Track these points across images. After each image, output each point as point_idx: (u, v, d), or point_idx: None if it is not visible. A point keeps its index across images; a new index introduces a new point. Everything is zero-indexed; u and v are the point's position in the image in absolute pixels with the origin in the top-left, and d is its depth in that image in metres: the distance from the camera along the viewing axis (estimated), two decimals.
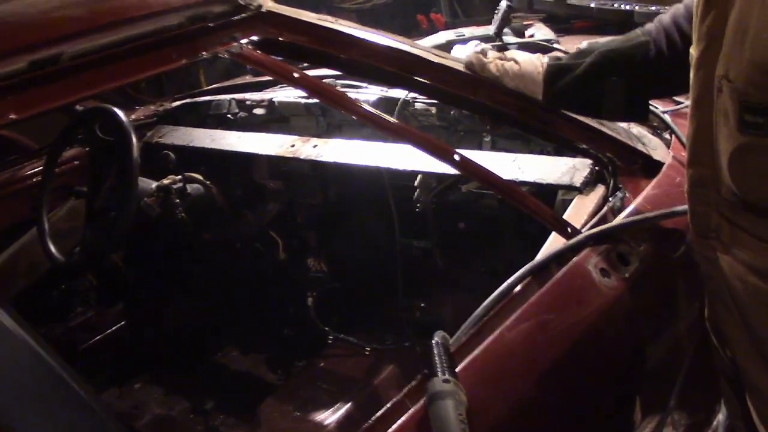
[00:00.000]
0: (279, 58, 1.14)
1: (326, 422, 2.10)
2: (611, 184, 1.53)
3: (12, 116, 0.87)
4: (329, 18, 1.24)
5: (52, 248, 2.02)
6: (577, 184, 1.54)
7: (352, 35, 1.23)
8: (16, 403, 0.76)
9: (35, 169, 2.31)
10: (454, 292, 2.34)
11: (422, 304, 2.41)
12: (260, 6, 1.13)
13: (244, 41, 1.10)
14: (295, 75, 1.11)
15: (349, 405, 2.13)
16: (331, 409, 2.13)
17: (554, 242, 1.39)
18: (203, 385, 2.37)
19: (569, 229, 1.38)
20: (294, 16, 1.18)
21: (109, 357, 2.48)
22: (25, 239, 2.24)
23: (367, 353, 2.36)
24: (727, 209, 1.06)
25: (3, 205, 2.27)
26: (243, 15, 1.11)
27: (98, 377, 2.39)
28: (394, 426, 1.03)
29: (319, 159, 1.97)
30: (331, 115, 2.25)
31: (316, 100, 2.16)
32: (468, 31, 2.39)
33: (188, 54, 1.04)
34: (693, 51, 1.05)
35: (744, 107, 0.95)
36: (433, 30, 3.23)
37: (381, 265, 2.39)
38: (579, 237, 1.34)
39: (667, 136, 1.75)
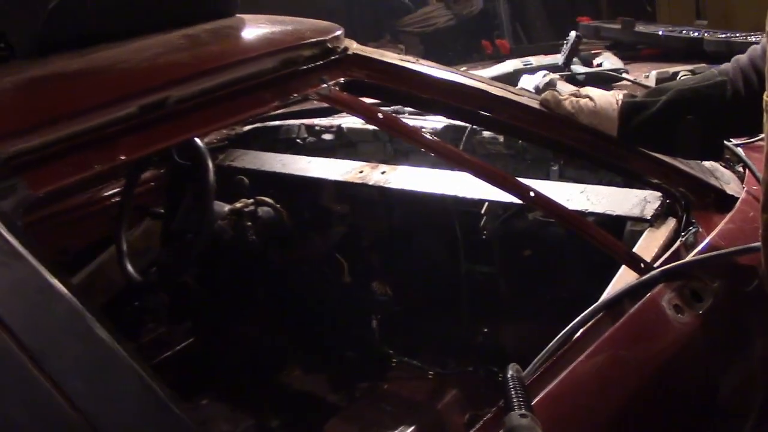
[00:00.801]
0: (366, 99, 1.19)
1: None
2: (684, 219, 1.53)
3: (122, 157, 0.93)
4: (410, 58, 1.29)
5: (130, 267, 2.10)
6: (648, 217, 1.55)
7: (433, 76, 1.28)
8: (110, 410, 0.82)
9: (113, 191, 2.39)
10: (517, 319, 2.35)
11: (485, 329, 2.42)
12: (347, 49, 1.18)
13: (331, 83, 1.15)
14: (380, 116, 1.16)
15: (412, 428, 2.15)
16: (395, 431, 2.15)
17: (625, 276, 1.40)
18: (268, 403, 2.41)
19: (642, 264, 1.39)
20: (378, 58, 1.23)
21: (177, 373, 2.55)
22: (104, 258, 2.33)
23: (430, 377, 2.38)
24: None
25: (83, 224, 2.35)
26: (331, 58, 1.16)
27: None
28: None
29: (387, 186, 2.01)
30: (398, 142, 2.28)
31: None
32: (535, 60, 2.41)
33: (281, 96, 1.09)
34: (766, 97, 1.06)
35: None
36: (497, 55, 3.27)
37: (444, 290, 2.41)
38: (653, 273, 1.35)
39: (740, 169, 1.74)
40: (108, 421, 0.79)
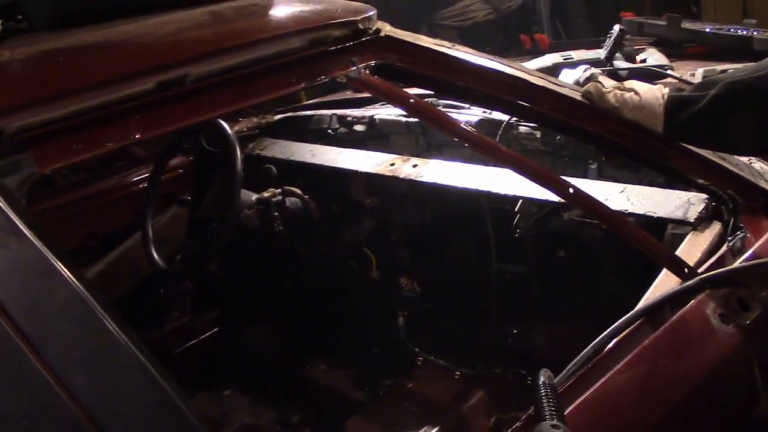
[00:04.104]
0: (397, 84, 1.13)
1: None
2: (731, 222, 1.45)
3: (137, 135, 0.88)
4: (446, 43, 1.22)
5: (155, 254, 2.07)
6: (692, 220, 1.47)
7: (470, 62, 1.21)
8: (112, 404, 0.77)
9: (141, 176, 2.37)
10: (548, 322, 2.27)
11: (514, 331, 2.36)
12: (379, 31, 1.12)
13: (362, 66, 1.09)
14: (411, 101, 1.10)
15: (436, 429, 2.09)
16: (418, 431, 2.10)
17: (667, 281, 1.32)
18: (290, 397, 2.38)
19: (685, 269, 1.31)
20: (412, 42, 1.16)
21: (201, 363, 2.52)
22: (129, 244, 2.32)
23: (456, 377, 2.32)
24: None
25: (109, 210, 2.34)
26: (362, 40, 1.10)
27: (190, 382, 2.43)
28: None
29: (418, 179, 1.95)
30: (432, 135, 2.23)
31: (416, 119, 2.15)
32: (576, 55, 2.33)
33: (307, 78, 1.03)
34: None
35: None
36: (536, 50, 3.18)
37: (474, 289, 2.35)
38: (698, 279, 1.27)
39: None
40: (109, 416, 0.74)
